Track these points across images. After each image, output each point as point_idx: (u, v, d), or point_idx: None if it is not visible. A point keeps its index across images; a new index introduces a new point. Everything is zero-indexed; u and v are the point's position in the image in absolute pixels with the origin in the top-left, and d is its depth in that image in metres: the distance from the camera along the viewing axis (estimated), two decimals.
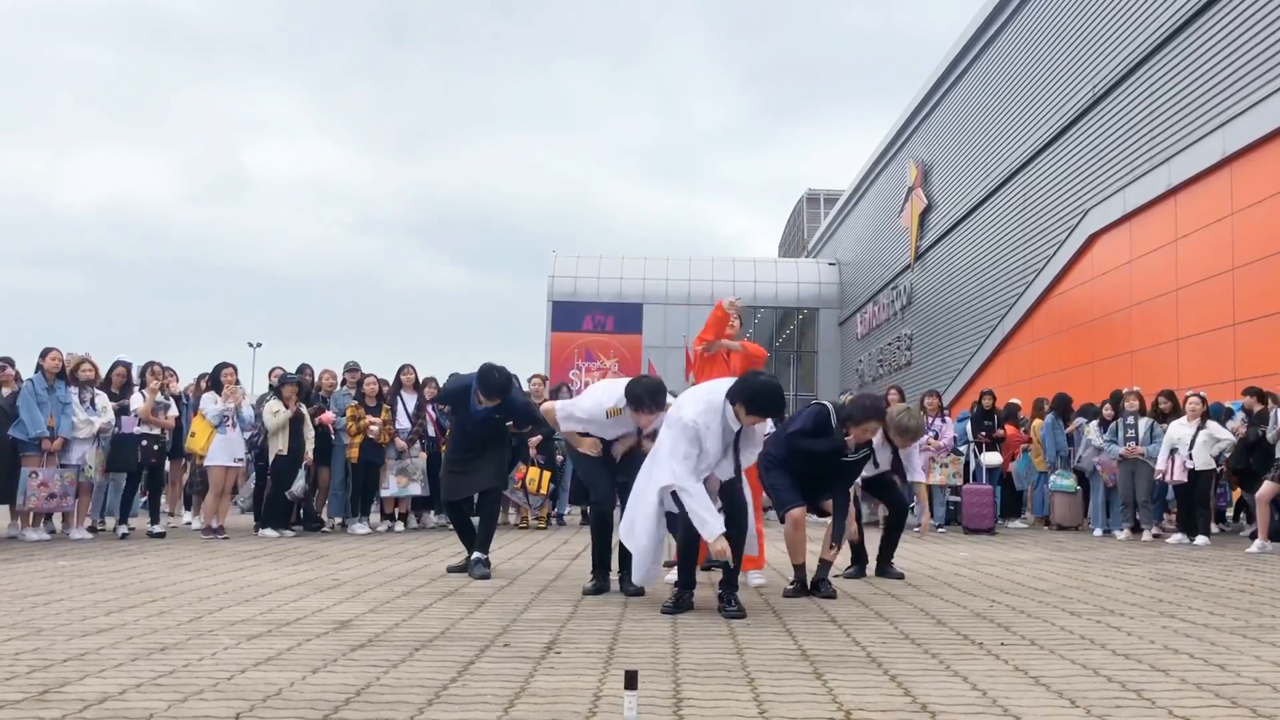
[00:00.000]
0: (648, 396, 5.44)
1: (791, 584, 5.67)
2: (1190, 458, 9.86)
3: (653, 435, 5.53)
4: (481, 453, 6.51)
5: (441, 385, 8.75)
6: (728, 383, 4.98)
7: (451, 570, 6.56)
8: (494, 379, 6.27)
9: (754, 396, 4.79)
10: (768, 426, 5.62)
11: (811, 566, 5.76)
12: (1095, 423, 11.33)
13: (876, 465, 6.48)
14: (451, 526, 7.27)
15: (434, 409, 10.68)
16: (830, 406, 5.76)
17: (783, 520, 5.73)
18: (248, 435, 9.68)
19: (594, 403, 5.68)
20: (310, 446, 9.93)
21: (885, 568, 6.62)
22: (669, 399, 5.50)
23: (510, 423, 6.60)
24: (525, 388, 11.59)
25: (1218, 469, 10.24)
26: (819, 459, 5.66)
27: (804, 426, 5.65)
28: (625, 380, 5.67)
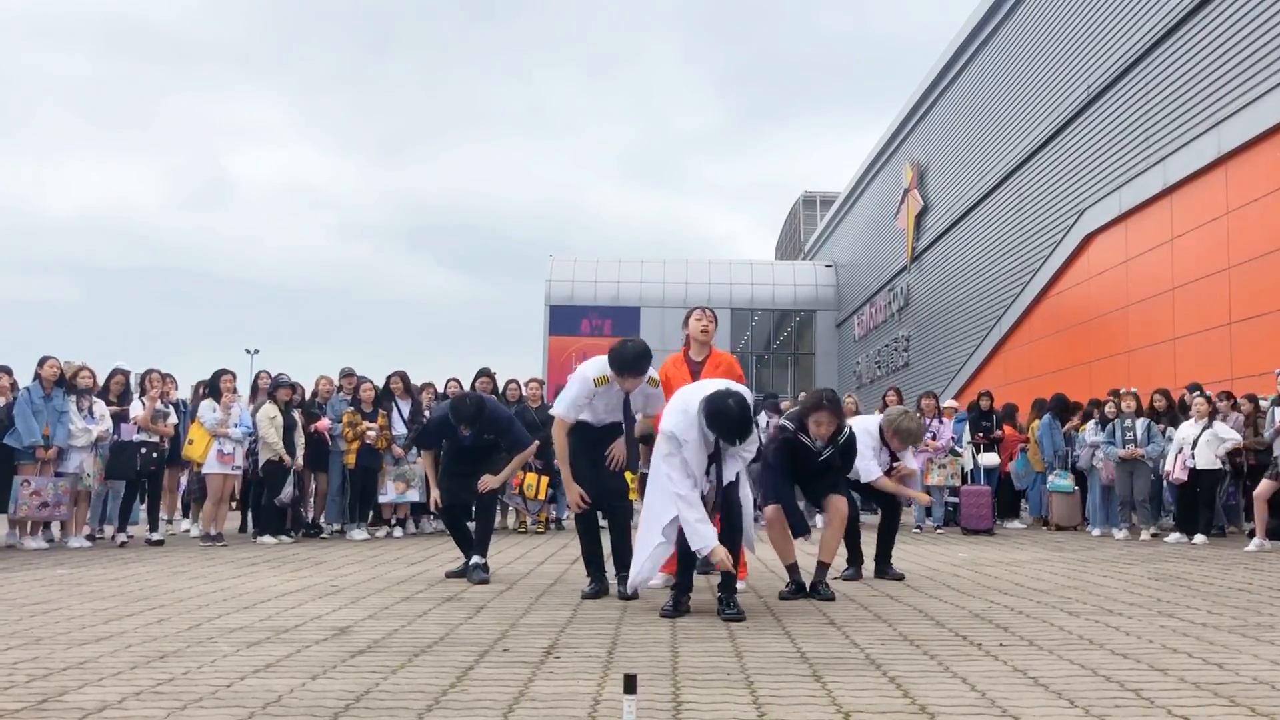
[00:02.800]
0: (632, 361, 5.43)
1: (787, 585, 5.66)
2: (1192, 457, 9.85)
3: (647, 440, 5.56)
4: (478, 461, 6.54)
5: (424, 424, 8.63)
6: (703, 390, 4.92)
7: (450, 575, 6.55)
8: (464, 408, 6.37)
9: (710, 416, 4.74)
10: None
11: (808, 567, 5.77)
12: (1093, 421, 11.34)
13: (871, 472, 6.58)
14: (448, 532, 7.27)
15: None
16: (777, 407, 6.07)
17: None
18: (245, 443, 9.67)
19: (581, 378, 5.62)
20: (300, 453, 9.92)
21: (884, 568, 6.62)
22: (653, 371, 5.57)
23: (503, 446, 6.63)
24: (524, 392, 11.59)
25: (1224, 469, 10.17)
26: (799, 459, 5.77)
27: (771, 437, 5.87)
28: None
